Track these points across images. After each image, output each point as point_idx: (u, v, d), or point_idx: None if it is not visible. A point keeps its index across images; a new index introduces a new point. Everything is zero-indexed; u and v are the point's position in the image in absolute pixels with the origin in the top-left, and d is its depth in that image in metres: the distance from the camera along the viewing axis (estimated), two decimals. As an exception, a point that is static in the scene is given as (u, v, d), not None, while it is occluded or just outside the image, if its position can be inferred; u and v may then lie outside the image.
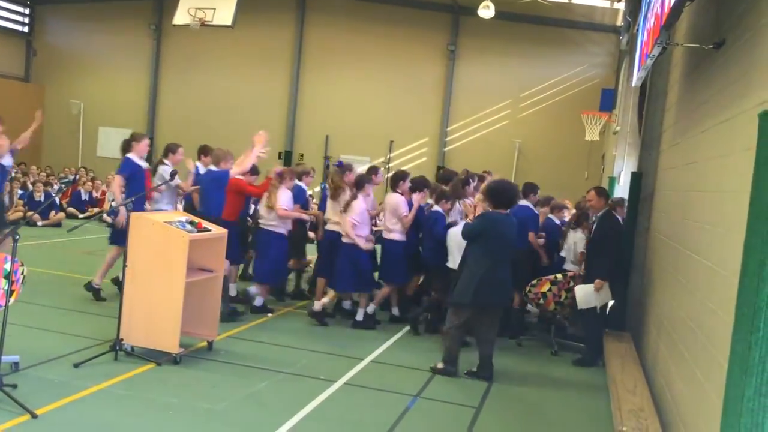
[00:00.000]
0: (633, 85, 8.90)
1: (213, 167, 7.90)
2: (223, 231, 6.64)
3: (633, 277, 8.16)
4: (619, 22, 17.38)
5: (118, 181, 8.24)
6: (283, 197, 8.10)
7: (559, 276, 7.64)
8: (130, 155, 8.25)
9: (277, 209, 7.99)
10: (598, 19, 19.88)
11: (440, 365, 6.52)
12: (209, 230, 6.41)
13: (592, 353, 7.23)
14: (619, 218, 7.78)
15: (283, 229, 8.17)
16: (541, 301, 7.70)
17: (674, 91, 7.02)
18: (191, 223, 6.24)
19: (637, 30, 8.05)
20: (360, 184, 8.11)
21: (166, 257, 5.90)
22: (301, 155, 22.18)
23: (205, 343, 6.59)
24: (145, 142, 8.42)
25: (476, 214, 6.67)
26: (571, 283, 7.44)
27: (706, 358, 3.77)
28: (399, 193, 8.27)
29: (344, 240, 7.93)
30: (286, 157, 22.41)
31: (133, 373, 5.68)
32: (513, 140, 20.90)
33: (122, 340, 5.95)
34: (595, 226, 7.18)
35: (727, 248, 3.53)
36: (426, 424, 5.32)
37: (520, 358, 7.56)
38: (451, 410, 5.68)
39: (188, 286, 5.99)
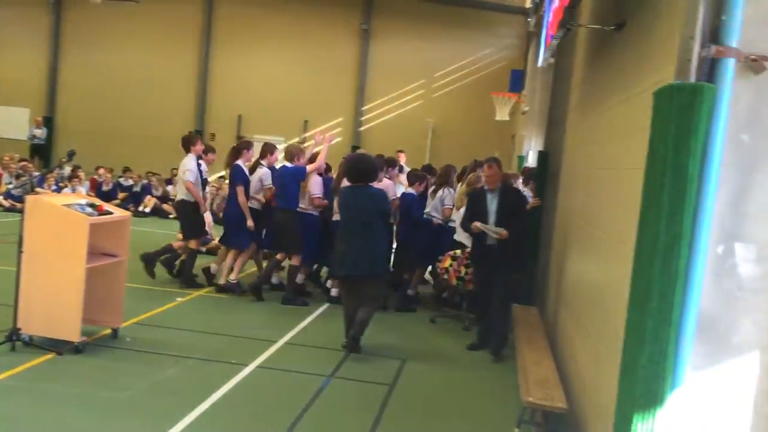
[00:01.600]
0: (539, 65, 9.12)
1: (288, 163, 8.30)
2: (126, 214, 6.38)
3: (541, 253, 8.42)
4: (528, 3, 17.74)
5: (241, 193, 8.42)
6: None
7: (458, 252, 7.79)
8: (239, 162, 8.59)
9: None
10: (508, 1, 20.23)
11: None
12: (111, 213, 6.13)
13: (500, 342, 6.94)
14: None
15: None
16: (445, 276, 7.88)
17: (579, 71, 7.21)
18: (92, 205, 5.95)
19: (544, 12, 8.22)
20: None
21: (65, 241, 5.60)
22: (213, 135, 21.65)
23: (109, 331, 6.33)
24: (252, 151, 8.84)
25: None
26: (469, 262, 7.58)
27: (607, 331, 3.91)
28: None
29: None
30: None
31: (31, 364, 5.38)
32: (426, 120, 21.08)
33: (19, 329, 5.63)
34: (500, 197, 6.92)
35: (627, 224, 3.66)
36: (339, 404, 5.31)
37: (434, 334, 7.68)
38: (365, 389, 5.70)
39: (90, 272, 5.71)
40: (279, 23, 21.60)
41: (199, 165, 8.63)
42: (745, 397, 2.70)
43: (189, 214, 8.72)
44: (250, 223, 8.36)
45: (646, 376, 2.45)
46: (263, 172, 8.63)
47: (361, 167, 6.62)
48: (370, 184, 6.61)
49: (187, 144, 8.79)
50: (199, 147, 8.73)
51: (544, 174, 8.62)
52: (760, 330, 2.68)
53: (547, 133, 9.54)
